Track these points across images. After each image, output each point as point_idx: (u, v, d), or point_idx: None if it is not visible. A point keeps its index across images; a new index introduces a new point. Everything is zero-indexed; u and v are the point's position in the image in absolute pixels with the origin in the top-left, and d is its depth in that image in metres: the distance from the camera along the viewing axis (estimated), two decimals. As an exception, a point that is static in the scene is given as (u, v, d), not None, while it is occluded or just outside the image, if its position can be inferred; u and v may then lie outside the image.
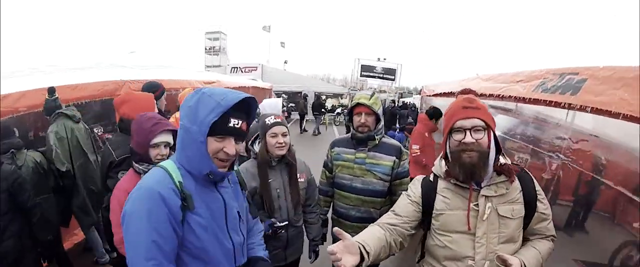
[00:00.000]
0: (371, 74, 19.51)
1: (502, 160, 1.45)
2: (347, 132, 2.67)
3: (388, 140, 2.31)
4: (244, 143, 1.98)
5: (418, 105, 11.45)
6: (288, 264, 2.24)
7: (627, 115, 1.85)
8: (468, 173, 1.36)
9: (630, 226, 2.26)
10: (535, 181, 1.49)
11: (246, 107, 1.26)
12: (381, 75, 19.49)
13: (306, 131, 15.72)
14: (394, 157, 2.22)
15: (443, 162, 1.51)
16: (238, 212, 1.38)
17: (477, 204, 1.39)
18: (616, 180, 2.37)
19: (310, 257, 2.42)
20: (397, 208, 1.57)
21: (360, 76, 19.50)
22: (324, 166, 2.50)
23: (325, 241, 2.50)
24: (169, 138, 1.87)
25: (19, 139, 2.71)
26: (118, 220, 1.61)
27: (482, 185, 1.41)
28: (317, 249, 2.42)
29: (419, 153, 4.39)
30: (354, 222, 2.30)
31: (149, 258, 1.08)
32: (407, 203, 1.55)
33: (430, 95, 6.82)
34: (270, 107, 3.69)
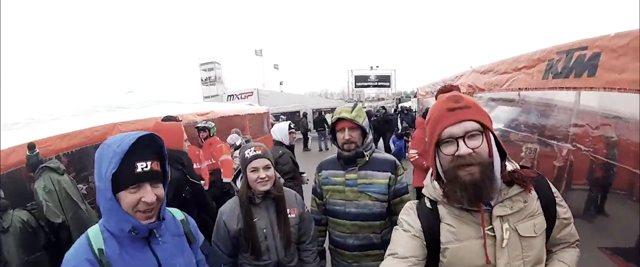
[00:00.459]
0: (366, 84, 19.44)
1: (509, 166, 1.16)
2: None
3: (380, 154, 2.10)
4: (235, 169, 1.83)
5: (415, 108, 11.31)
6: None
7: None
8: (472, 195, 1.05)
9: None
10: (549, 182, 1.22)
11: (154, 145, 1.15)
12: (376, 84, 19.40)
13: (309, 150, 15.53)
14: (389, 173, 1.99)
15: (436, 184, 1.20)
16: None
17: (492, 228, 1.09)
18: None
19: None
20: (399, 248, 1.18)
21: (355, 87, 19.44)
22: (312, 193, 2.26)
23: None
24: None
25: (4, 199, 2.65)
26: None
27: (493, 203, 1.11)
28: None
29: (417, 157, 4.20)
30: (353, 251, 2.07)
31: None
32: (409, 238, 1.19)
33: (426, 97, 6.66)
34: (280, 132, 3.67)
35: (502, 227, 1.08)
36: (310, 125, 16.19)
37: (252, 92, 22.17)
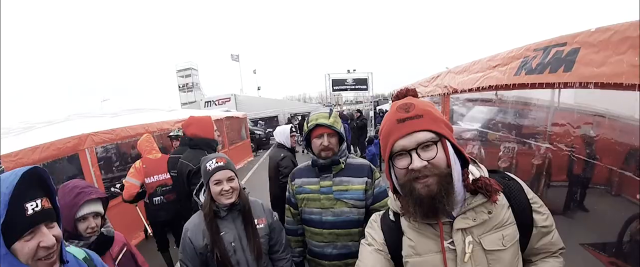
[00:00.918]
0: (343, 87, 19.47)
1: (475, 172, 1.07)
2: None
3: (355, 160, 2.03)
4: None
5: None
6: None
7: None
8: (428, 209, 0.97)
9: (632, 197, 2.11)
10: (524, 185, 1.11)
11: (39, 180, 1.01)
12: (353, 87, 19.46)
13: (297, 151, 15.47)
14: (365, 178, 1.93)
15: (393, 197, 1.13)
16: None
17: (453, 242, 1.01)
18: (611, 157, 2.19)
19: None
20: (364, 265, 1.15)
21: (333, 91, 19.47)
22: (286, 202, 2.16)
23: None
24: (97, 207, 1.66)
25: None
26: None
27: (455, 214, 1.02)
28: None
29: None
30: (332, 261, 1.99)
31: None
32: (372, 252, 1.15)
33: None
34: (282, 134, 3.69)
35: (464, 241, 1.00)
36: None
37: (230, 98, 22.05)
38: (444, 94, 4.01)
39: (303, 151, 14.21)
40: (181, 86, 36.77)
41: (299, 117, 19.85)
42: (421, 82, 4.96)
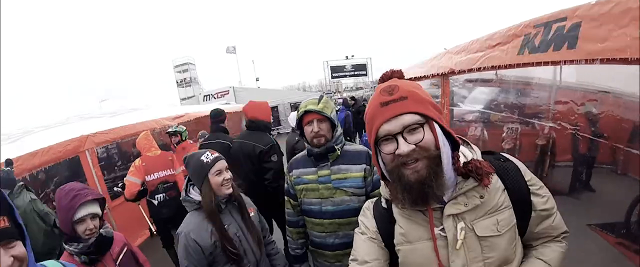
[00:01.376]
0: (342, 74, 19.35)
1: (467, 154, 1.02)
2: None
3: (351, 146, 1.97)
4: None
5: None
6: None
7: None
8: (417, 195, 0.93)
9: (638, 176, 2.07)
10: (522, 167, 1.05)
11: None
12: (352, 73, 19.34)
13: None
14: (364, 165, 1.87)
15: (383, 184, 1.10)
16: None
17: (443, 228, 0.97)
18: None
19: None
20: (358, 253, 1.13)
21: (332, 78, 19.35)
22: (285, 194, 2.13)
23: None
24: (94, 209, 1.65)
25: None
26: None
27: (446, 199, 0.98)
28: None
29: None
30: (335, 250, 1.97)
31: None
32: (366, 241, 1.13)
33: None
34: (294, 120, 3.70)
35: (455, 227, 0.96)
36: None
37: (228, 91, 21.93)
38: (443, 74, 3.93)
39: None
40: (179, 81, 36.59)
41: None
42: (419, 64, 4.86)
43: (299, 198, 2.03)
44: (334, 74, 19.23)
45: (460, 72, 3.32)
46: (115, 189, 4.39)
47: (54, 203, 3.22)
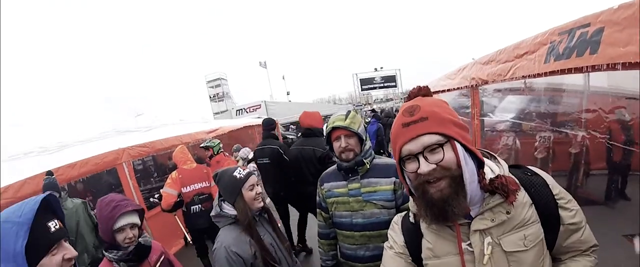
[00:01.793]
0: (372, 86, 19.32)
1: (494, 169, 1.04)
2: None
3: (381, 160, 2.01)
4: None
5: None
6: None
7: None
8: (438, 213, 0.97)
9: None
10: (550, 180, 1.05)
11: (53, 206, 1.12)
12: (382, 85, 19.28)
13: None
14: (394, 178, 1.89)
15: (411, 199, 1.13)
16: None
17: (470, 244, 0.99)
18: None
19: None
20: None
21: (362, 90, 19.36)
22: (317, 207, 2.18)
23: None
24: (133, 219, 1.75)
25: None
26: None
27: (473, 215, 1.00)
28: None
29: None
30: (366, 262, 2.00)
31: None
32: (393, 256, 1.17)
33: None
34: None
35: (482, 242, 0.97)
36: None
37: (260, 105, 22.23)
38: (473, 85, 3.91)
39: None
40: (212, 96, 37.53)
41: None
42: (448, 75, 4.84)
43: (330, 211, 2.07)
44: (363, 87, 19.25)
45: (492, 82, 3.31)
46: (151, 199, 4.57)
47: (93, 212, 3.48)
